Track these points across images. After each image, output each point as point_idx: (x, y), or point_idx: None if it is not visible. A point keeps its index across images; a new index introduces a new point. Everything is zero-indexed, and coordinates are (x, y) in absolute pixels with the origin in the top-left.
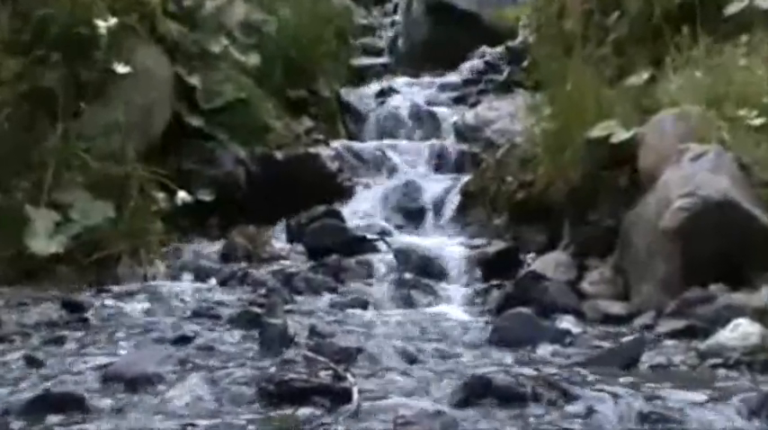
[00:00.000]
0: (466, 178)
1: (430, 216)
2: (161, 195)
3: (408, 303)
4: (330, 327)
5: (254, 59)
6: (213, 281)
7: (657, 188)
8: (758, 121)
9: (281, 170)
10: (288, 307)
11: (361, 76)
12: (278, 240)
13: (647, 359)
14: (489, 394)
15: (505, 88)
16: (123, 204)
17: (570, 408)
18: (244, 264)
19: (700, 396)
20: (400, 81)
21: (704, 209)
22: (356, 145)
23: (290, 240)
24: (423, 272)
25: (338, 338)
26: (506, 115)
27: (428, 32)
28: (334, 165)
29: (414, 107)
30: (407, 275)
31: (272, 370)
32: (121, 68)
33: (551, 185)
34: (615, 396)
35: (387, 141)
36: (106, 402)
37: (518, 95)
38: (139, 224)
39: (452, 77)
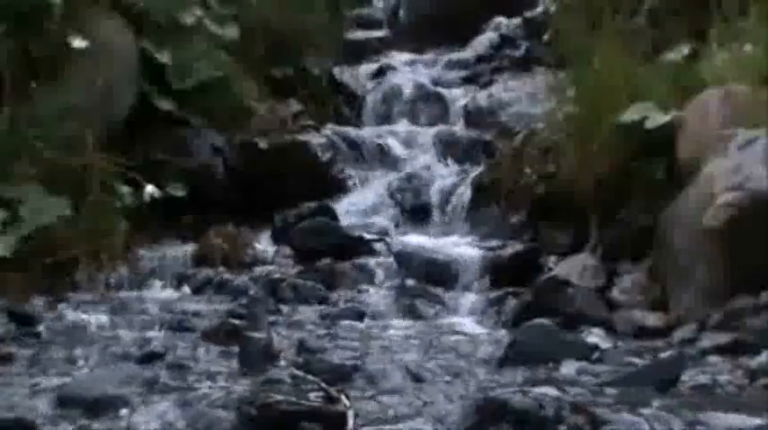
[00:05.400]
0: (478, 170)
1: (436, 213)
2: (125, 189)
3: (411, 314)
4: (321, 342)
5: (232, 32)
6: (186, 288)
7: (699, 181)
8: None
9: (265, 160)
10: (272, 318)
11: (356, 53)
12: (261, 242)
13: (688, 378)
14: (505, 418)
15: (523, 66)
16: (81, 200)
17: None
18: (221, 269)
19: (749, 421)
20: (401, 58)
21: (754, 204)
22: (351, 131)
23: (275, 241)
24: (428, 277)
25: (331, 354)
26: (524, 97)
27: (433, 1)
28: (325, 155)
29: (417, 88)
30: (410, 282)
31: (255, 391)
32: (78, 42)
33: (576, 178)
34: (651, 420)
35: (386, 127)
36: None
37: (538, 74)
38: (100, 223)
39: (462, 54)
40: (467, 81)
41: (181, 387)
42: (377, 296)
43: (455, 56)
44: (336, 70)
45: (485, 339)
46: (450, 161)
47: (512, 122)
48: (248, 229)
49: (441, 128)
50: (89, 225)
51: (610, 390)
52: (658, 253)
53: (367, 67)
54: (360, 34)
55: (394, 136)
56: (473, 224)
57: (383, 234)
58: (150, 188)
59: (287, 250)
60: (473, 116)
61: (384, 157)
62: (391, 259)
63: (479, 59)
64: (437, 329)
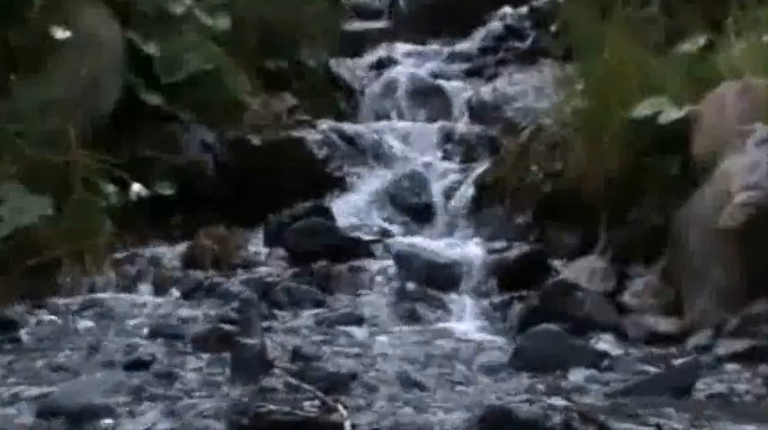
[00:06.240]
0: (481, 167)
1: (438, 213)
2: (111, 188)
3: (412, 319)
4: (317, 348)
5: (223, 23)
6: (175, 292)
7: (715, 178)
8: None
9: (258, 157)
10: (266, 324)
11: (354, 44)
12: (254, 243)
13: (704, 387)
14: (510, 429)
15: (530, 58)
16: (64, 199)
17: None
18: (212, 272)
19: None
20: (402, 50)
21: None
22: (349, 127)
23: (269, 243)
24: (429, 281)
25: (327, 362)
26: (531, 91)
27: None
28: (321, 152)
29: (418, 81)
30: (410, 285)
31: (247, 400)
32: (61, 33)
33: (585, 176)
34: None
35: (386, 123)
36: None
37: (545, 66)
38: (84, 223)
39: (465, 45)
40: (470, 74)
41: (169, 396)
42: (375, 300)
43: (458, 47)
44: (333, 63)
45: (489, 345)
46: (452, 158)
47: (517, 117)
48: (240, 230)
49: (443, 123)
50: (72, 225)
51: (620, 399)
52: (672, 254)
53: (365, 60)
54: (358, 25)
55: (393, 132)
56: (476, 224)
57: (382, 235)
58: (137, 186)
59: (281, 252)
60: (477, 111)
61: (383, 154)
62: (390, 261)
63: (483, 51)
64: (439, 335)
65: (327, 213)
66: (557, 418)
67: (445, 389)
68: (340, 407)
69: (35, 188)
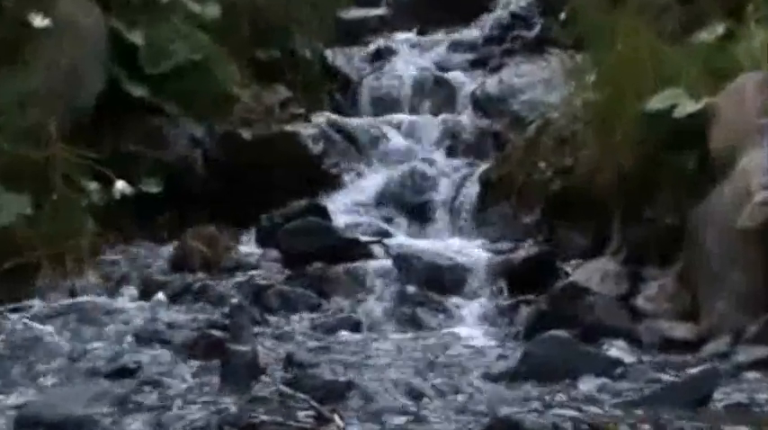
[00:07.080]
0: (486, 164)
1: (440, 212)
2: (93, 185)
3: (412, 324)
4: (312, 356)
5: (212, 10)
6: (161, 296)
7: (734, 175)
8: None
9: (249, 153)
10: (258, 329)
11: (351, 33)
12: (245, 244)
13: (722, 396)
14: None
15: (537, 47)
16: (44, 197)
17: None
18: (201, 275)
19: None
20: (402, 39)
21: None
22: (346, 121)
23: (261, 244)
24: (431, 284)
25: (322, 369)
26: (538, 83)
27: None
28: (317, 148)
29: (419, 72)
30: (411, 288)
31: (238, 410)
32: (39, 21)
33: (597, 172)
34: None
35: (385, 117)
36: None
37: (553, 57)
38: (65, 223)
39: (469, 34)
40: (474, 65)
41: (156, 406)
42: (374, 304)
43: (461, 36)
44: (329, 53)
45: (494, 352)
46: (455, 154)
47: (524, 111)
48: (231, 230)
49: (445, 117)
50: (53, 225)
51: (634, 410)
52: (688, 256)
53: (363, 50)
54: (355, 12)
55: (393, 126)
56: (481, 224)
57: (381, 235)
58: (121, 184)
59: (274, 253)
60: (481, 104)
61: (382, 150)
62: (390, 263)
63: (488, 40)
64: (441, 341)
65: (323, 212)
66: (566, 429)
67: (448, 398)
68: (336, 417)
69: (13, 186)
